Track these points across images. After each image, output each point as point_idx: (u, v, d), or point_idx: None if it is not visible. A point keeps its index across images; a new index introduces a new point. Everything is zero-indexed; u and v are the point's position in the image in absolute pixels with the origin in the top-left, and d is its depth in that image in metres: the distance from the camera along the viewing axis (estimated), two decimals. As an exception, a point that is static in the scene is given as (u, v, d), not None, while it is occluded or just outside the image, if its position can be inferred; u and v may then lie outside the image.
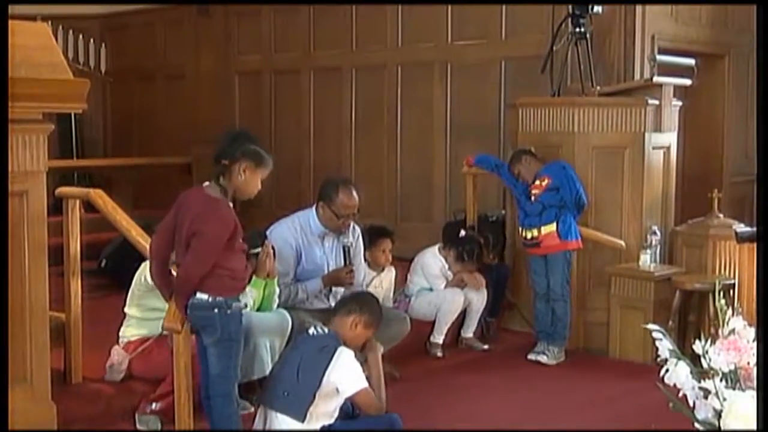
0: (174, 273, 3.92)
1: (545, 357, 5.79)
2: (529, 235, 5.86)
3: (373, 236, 5.58)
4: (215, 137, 4.05)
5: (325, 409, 3.97)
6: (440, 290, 5.90)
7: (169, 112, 10.02)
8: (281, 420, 3.91)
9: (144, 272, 4.52)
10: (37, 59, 3.89)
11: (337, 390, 3.96)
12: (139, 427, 4.36)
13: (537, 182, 5.83)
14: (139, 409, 4.38)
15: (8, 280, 3.78)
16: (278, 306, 4.72)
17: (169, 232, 3.85)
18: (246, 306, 4.04)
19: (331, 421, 4.00)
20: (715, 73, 8.43)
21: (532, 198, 5.83)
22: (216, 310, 3.75)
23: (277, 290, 4.68)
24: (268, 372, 4.39)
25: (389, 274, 5.75)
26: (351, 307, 4.19)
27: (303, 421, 3.89)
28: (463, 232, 6.11)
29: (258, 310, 4.50)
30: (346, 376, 3.95)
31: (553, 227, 5.76)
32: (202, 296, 3.76)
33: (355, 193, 4.93)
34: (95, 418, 4.40)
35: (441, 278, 5.95)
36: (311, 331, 4.13)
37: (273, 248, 4.56)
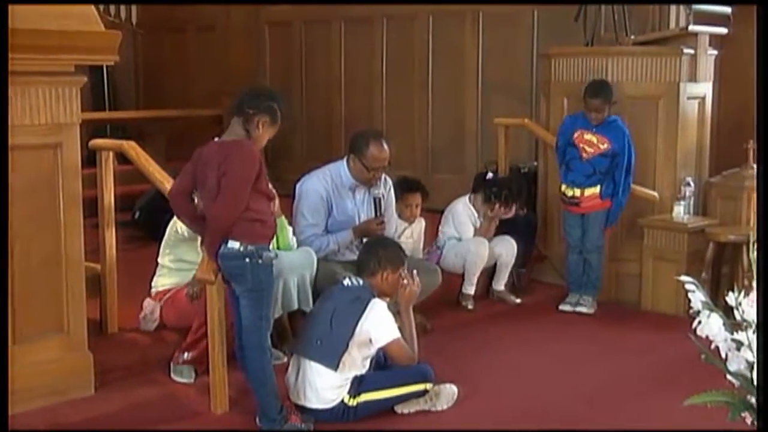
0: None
1: (583, 307, 5.80)
2: (569, 193, 5.78)
3: (400, 190, 5.54)
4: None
5: (358, 359, 4.00)
6: (466, 240, 5.90)
7: (200, 63, 10.00)
8: (314, 369, 3.95)
9: (177, 223, 4.56)
10: (67, 11, 3.89)
11: (370, 340, 4.00)
12: (173, 377, 4.44)
13: (594, 139, 5.66)
14: (173, 359, 4.46)
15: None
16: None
17: (187, 182, 3.88)
18: (276, 256, 4.05)
19: (363, 371, 4.04)
20: (752, 21, 8.25)
21: (584, 155, 5.70)
22: (247, 260, 3.74)
23: (290, 229, 4.75)
24: (295, 307, 4.50)
25: (419, 225, 5.75)
26: (372, 266, 4.17)
27: (336, 370, 3.93)
28: (490, 174, 6.08)
29: None
30: (378, 326, 3.99)
31: (596, 190, 5.70)
32: (233, 245, 3.74)
33: (386, 146, 4.90)
34: (131, 367, 4.48)
35: (469, 226, 5.94)
36: (345, 282, 4.16)
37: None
